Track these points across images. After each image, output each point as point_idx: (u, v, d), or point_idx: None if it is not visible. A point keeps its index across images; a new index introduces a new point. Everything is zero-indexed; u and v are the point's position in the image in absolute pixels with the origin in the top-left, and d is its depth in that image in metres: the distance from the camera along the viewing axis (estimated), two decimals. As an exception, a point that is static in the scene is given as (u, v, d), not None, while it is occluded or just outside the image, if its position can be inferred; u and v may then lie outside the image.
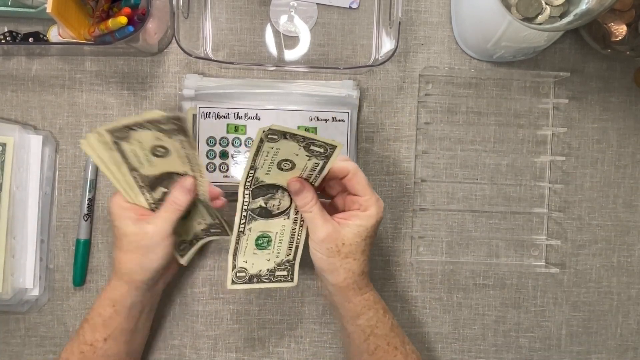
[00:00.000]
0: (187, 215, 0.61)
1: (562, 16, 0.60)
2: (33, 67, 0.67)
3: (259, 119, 0.65)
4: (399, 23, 0.61)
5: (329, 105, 0.66)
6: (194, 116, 0.65)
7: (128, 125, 0.51)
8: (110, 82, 0.68)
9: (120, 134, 0.52)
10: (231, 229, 0.59)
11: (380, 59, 0.65)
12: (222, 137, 0.65)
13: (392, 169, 0.69)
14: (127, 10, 0.58)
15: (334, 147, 0.52)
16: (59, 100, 0.68)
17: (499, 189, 0.70)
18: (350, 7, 0.68)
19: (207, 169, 0.65)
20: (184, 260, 0.63)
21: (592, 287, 0.71)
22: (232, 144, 0.65)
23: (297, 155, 0.53)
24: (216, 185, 0.65)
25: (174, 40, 0.66)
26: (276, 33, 0.68)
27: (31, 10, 0.64)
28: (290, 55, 0.68)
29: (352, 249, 0.55)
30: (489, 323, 0.70)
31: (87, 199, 0.67)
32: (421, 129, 0.69)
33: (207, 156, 0.65)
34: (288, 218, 0.58)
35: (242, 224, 0.57)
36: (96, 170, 0.68)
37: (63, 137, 0.68)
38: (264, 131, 0.50)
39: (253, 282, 0.59)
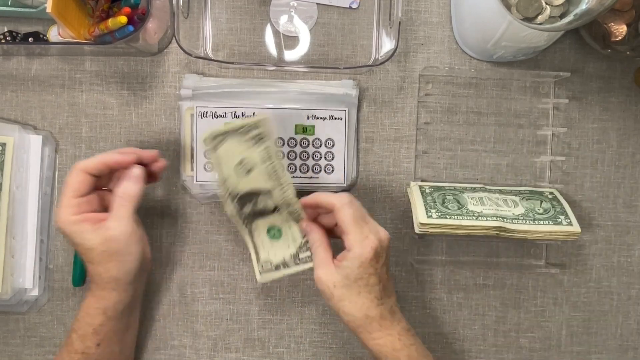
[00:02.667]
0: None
1: (562, 16, 0.60)
2: (33, 67, 0.67)
3: None
4: (399, 23, 0.61)
5: (327, 103, 0.66)
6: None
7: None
8: (110, 82, 0.68)
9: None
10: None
11: (380, 59, 0.65)
12: None
13: (392, 169, 0.69)
14: (127, 10, 0.58)
15: (262, 121, 0.56)
16: (58, 100, 0.68)
17: (499, 189, 0.70)
18: (350, 7, 0.68)
19: (205, 169, 0.65)
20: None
21: (592, 287, 0.71)
22: None
23: (248, 149, 0.56)
24: (212, 185, 0.65)
25: (174, 40, 0.66)
26: (276, 33, 0.68)
27: (31, 10, 0.64)
28: (290, 55, 0.68)
29: (344, 292, 0.54)
30: (489, 323, 0.70)
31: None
32: (421, 129, 0.69)
33: (205, 156, 0.65)
34: (281, 214, 0.60)
35: (247, 226, 0.60)
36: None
37: (63, 137, 0.68)
38: (204, 140, 0.56)
39: (280, 270, 0.60)
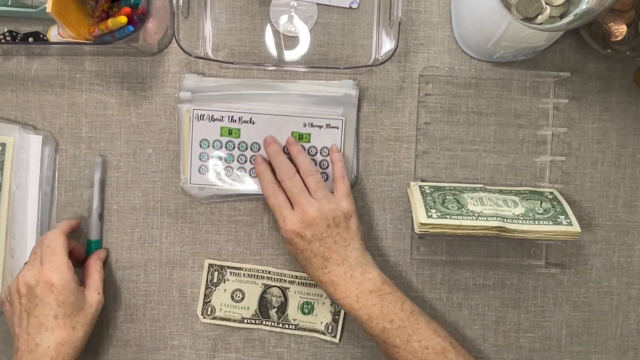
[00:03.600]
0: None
1: (562, 16, 0.60)
2: (33, 67, 0.67)
3: (253, 123, 0.65)
4: (399, 23, 0.61)
5: (327, 104, 0.66)
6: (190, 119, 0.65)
7: None
8: (110, 82, 0.68)
9: None
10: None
11: (380, 59, 0.65)
12: (216, 140, 0.65)
13: (392, 169, 0.69)
14: (127, 9, 0.58)
15: None
16: (58, 100, 0.68)
17: (499, 189, 0.70)
18: (350, 7, 0.68)
19: (199, 171, 0.65)
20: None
21: (592, 287, 0.71)
22: (226, 147, 0.65)
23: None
24: (210, 188, 0.65)
25: (174, 40, 0.66)
26: (276, 33, 0.68)
27: (31, 10, 0.64)
28: (290, 55, 0.68)
29: (298, 262, 0.62)
30: (489, 323, 0.70)
31: (98, 199, 0.67)
32: (421, 129, 0.69)
33: (200, 158, 0.65)
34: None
35: (279, 318, 0.69)
36: (104, 169, 0.67)
37: (63, 137, 0.68)
38: None
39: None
